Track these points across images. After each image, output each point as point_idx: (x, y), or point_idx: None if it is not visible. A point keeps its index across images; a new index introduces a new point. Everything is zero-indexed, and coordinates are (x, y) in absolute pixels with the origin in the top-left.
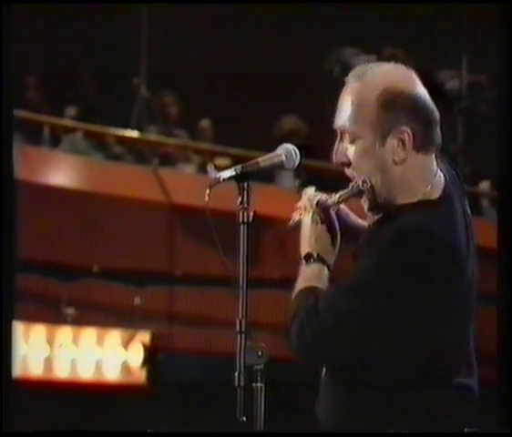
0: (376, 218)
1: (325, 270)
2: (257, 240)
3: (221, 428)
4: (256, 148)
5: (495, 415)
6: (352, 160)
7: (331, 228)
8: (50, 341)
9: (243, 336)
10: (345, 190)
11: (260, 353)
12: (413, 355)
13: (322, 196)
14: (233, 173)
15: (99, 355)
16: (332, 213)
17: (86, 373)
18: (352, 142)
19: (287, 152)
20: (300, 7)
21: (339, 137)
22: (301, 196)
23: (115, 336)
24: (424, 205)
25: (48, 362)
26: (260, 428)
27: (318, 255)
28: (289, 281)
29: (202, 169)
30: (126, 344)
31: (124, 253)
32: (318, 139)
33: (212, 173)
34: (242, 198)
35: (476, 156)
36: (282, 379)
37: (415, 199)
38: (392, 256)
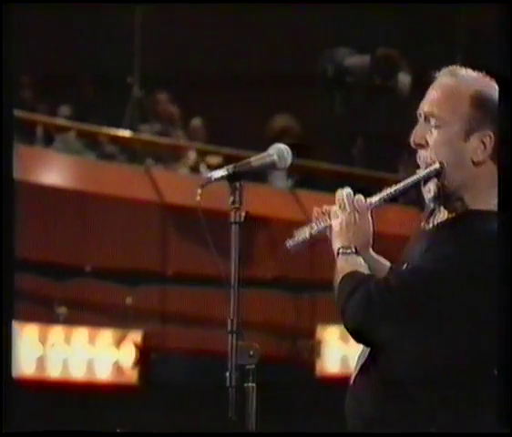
0: (440, 220)
1: (364, 263)
2: (249, 240)
3: (213, 428)
4: (248, 148)
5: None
6: (432, 143)
7: (367, 228)
8: (42, 341)
9: (235, 336)
10: (406, 180)
11: (251, 353)
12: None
13: (361, 196)
14: (225, 173)
15: (91, 355)
16: (369, 215)
17: (77, 373)
18: (436, 127)
19: (279, 152)
20: (293, 7)
21: (422, 121)
22: (294, 197)
23: (107, 335)
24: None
25: (41, 362)
26: (251, 428)
27: (356, 248)
28: (280, 281)
29: (195, 169)
30: (118, 344)
31: (116, 253)
32: (310, 139)
33: (205, 172)
34: (234, 198)
35: None
36: (274, 378)
37: (488, 208)
38: (472, 257)
